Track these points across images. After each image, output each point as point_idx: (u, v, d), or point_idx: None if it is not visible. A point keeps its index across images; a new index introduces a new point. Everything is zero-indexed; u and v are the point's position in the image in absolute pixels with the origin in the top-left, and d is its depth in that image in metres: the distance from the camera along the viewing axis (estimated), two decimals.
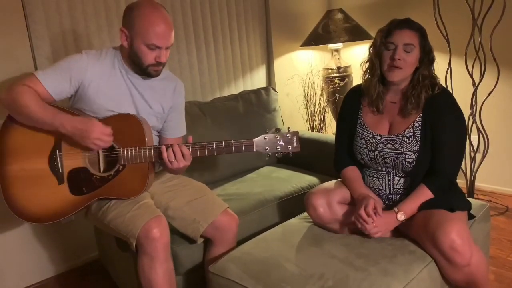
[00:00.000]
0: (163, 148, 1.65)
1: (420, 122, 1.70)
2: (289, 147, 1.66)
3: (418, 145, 1.69)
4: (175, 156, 1.65)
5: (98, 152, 1.72)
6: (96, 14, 2.38)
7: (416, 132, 1.70)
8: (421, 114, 1.70)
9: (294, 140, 1.66)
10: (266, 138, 1.66)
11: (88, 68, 1.70)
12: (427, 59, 1.69)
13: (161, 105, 1.85)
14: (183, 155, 1.66)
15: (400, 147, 1.71)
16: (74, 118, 1.63)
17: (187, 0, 2.70)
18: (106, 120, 1.71)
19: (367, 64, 1.79)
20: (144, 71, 1.73)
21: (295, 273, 1.53)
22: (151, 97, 1.82)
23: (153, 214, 1.68)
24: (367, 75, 1.80)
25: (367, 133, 1.80)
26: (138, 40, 1.66)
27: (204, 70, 2.85)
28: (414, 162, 1.70)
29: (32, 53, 2.22)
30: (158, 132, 1.93)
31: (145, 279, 1.68)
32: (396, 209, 1.67)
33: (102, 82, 1.72)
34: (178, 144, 1.66)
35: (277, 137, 1.66)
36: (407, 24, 1.69)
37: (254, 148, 1.66)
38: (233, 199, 2.14)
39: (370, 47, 1.77)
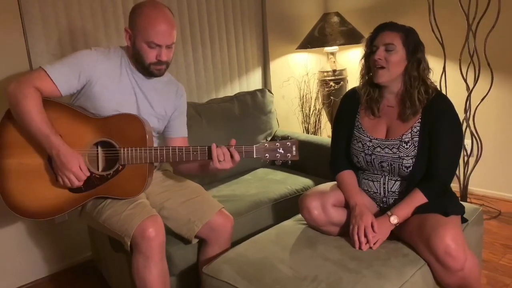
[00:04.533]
0: (214, 146, 1.65)
1: (418, 128, 1.71)
2: (288, 155, 1.68)
3: (415, 150, 1.70)
4: (224, 157, 1.65)
5: (97, 151, 1.72)
6: (93, 14, 2.38)
7: (414, 137, 1.71)
8: (419, 120, 1.71)
9: (294, 148, 1.68)
10: (266, 145, 1.68)
11: (97, 64, 1.71)
12: (413, 58, 1.70)
13: (163, 107, 1.86)
14: (232, 157, 1.66)
15: (397, 152, 1.72)
16: (64, 146, 1.62)
17: (184, 1, 2.70)
18: (107, 119, 1.71)
19: (363, 72, 1.81)
20: (147, 70, 1.74)
21: (289, 275, 1.53)
22: (154, 99, 1.83)
23: (148, 214, 1.67)
24: (361, 82, 1.82)
25: (364, 136, 1.80)
26: (139, 38, 1.68)
27: (200, 71, 2.86)
28: (411, 167, 1.71)
29: (28, 52, 2.21)
30: (158, 134, 1.93)
31: (140, 279, 1.67)
32: (389, 213, 1.68)
33: (109, 80, 1.73)
34: (228, 148, 1.66)
35: (277, 145, 1.67)
36: (389, 26, 1.72)
37: (255, 154, 1.67)
38: (228, 201, 2.14)
39: (363, 55, 1.80)
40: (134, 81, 1.78)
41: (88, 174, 1.67)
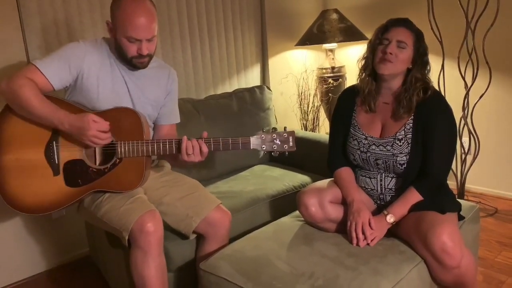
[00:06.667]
0: (184, 138, 1.66)
1: (411, 125, 1.71)
2: (285, 146, 1.68)
3: (409, 147, 1.70)
4: (193, 150, 1.66)
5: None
6: (91, 8, 2.37)
7: (408, 134, 1.71)
8: (412, 117, 1.71)
9: (290, 139, 1.68)
10: (263, 137, 1.68)
11: (86, 55, 1.70)
12: (420, 61, 1.70)
13: (156, 93, 1.86)
14: (201, 151, 1.67)
15: (391, 149, 1.72)
16: (71, 115, 1.62)
17: None
18: (103, 113, 1.71)
19: (363, 62, 1.80)
20: (130, 63, 1.73)
21: (286, 271, 1.53)
22: (146, 86, 1.82)
23: (147, 208, 1.68)
24: (361, 72, 1.81)
25: (360, 134, 1.81)
26: (119, 33, 1.67)
27: (198, 67, 2.85)
28: (405, 164, 1.71)
29: (25, 46, 2.21)
30: (153, 123, 1.93)
31: (138, 274, 1.67)
32: (385, 212, 1.68)
33: (100, 71, 1.73)
34: (198, 140, 1.67)
35: (274, 136, 1.68)
36: (405, 23, 1.71)
37: (251, 146, 1.68)
38: (225, 197, 2.14)
39: (368, 44, 1.79)
40: (123, 71, 1.78)
41: (107, 122, 1.63)
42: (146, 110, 1.83)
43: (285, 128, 1.71)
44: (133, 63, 1.72)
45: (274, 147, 1.68)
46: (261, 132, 1.68)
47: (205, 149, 1.67)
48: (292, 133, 1.69)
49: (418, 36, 1.71)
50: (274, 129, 1.70)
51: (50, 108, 1.62)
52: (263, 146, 1.68)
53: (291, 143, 1.68)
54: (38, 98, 1.61)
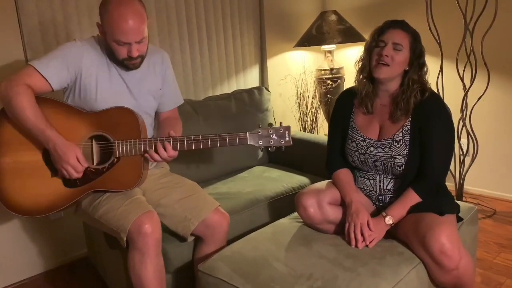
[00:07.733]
0: (151, 152, 1.68)
1: (409, 126, 1.71)
2: (282, 141, 1.70)
3: (407, 149, 1.70)
4: (160, 157, 1.69)
5: (92, 144, 1.72)
6: (89, 9, 2.37)
7: (405, 136, 1.71)
8: (410, 118, 1.72)
9: (287, 134, 1.69)
10: (259, 132, 1.69)
11: (84, 54, 1.70)
12: (417, 62, 1.70)
13: (154, 82, 1.86)
14: (166, 150, 1.69)
15: (389, 151, 1.72)
16: (60, 139, 1.63)
17: None
18: (100, 113, 1.71)
19: (360, 64, 1.80)
20: (122, 64, 1.73)
21: (284, 273, 1.53)
22: (144, 78, 1.82)
23: (145, 209, 1.67)
24: (359, 74, 1.81)
25: (358, 136, 1.81)
26: (108, 36, 1.66)
27: (197, 68, 2.85)
28: (404, 165, 1.71)
29: (23, 46, 2.21)
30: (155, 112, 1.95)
31: (135, 275, 1.67)
32: (384, 213, 1.68)
33: (99, 70, 1.73)
34: (166, 147, 1.67)
35: (270, 131, 1.69)
36: (401, 24, 1.71)
37: (248, 141, 1.69)
38: (224, 198, 2.14)
39: (364, 46, 1.79)
40: (120, 69, 1.77)
41: (86, 165, 1.67)
42: (150, 103, 1.83)
43: (280, 123, 1.72)
44: (125, 64, 1.72)
45: (271, 142, 1.70)
46: (258, 128, 1.70)
47: (172, 153, 1.69)
48: (288, 128, 1.70)
49: (415, 38, 1.71)
50: (270, 124, 1.71)
51: (42, 123, 1.62)
52: (260, 141, 1.70)
53: (287, 138, 1.70)
54: (32, 110, 1.61)
